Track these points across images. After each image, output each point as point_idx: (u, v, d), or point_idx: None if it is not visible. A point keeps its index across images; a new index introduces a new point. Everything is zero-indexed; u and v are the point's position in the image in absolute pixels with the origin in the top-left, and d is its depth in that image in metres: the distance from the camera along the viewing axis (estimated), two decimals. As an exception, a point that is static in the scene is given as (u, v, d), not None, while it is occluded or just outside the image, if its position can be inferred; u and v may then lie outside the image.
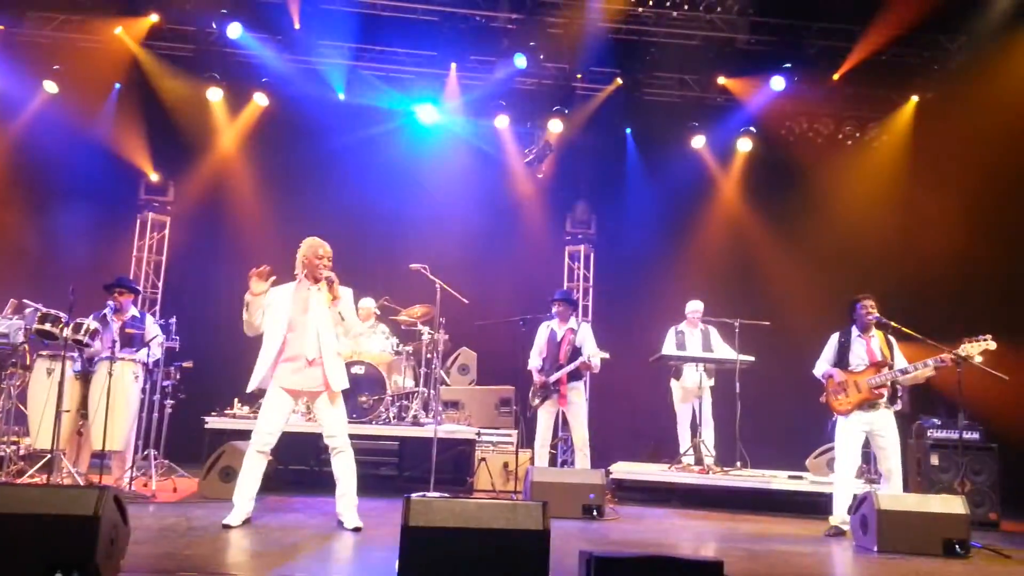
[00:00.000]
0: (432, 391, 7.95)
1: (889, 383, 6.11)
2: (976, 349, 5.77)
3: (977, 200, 8.53)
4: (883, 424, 6.15)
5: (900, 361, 6.22)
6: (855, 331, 6.33)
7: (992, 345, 5.76)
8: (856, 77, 9.68)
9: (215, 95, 9.64)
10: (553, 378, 7.44)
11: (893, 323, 6.23)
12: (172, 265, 10.30)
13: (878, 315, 6.24)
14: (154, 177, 10.14)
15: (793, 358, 7.03)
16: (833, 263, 9.54)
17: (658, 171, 10.29)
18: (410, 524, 3.63)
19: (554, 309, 7.70)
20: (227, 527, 5.09)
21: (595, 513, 6.41)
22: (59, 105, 9.60)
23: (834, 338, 6.43)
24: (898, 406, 6.25)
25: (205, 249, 10.10)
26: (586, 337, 7.62)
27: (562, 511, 6.15)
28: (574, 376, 7.50)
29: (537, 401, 7.53)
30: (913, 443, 7.60)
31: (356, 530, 5.22)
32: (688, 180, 10.40)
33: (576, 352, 7.50)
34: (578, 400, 7.59)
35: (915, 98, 9.89)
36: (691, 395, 8.37)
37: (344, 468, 5.37)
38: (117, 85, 9.84)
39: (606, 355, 7.36)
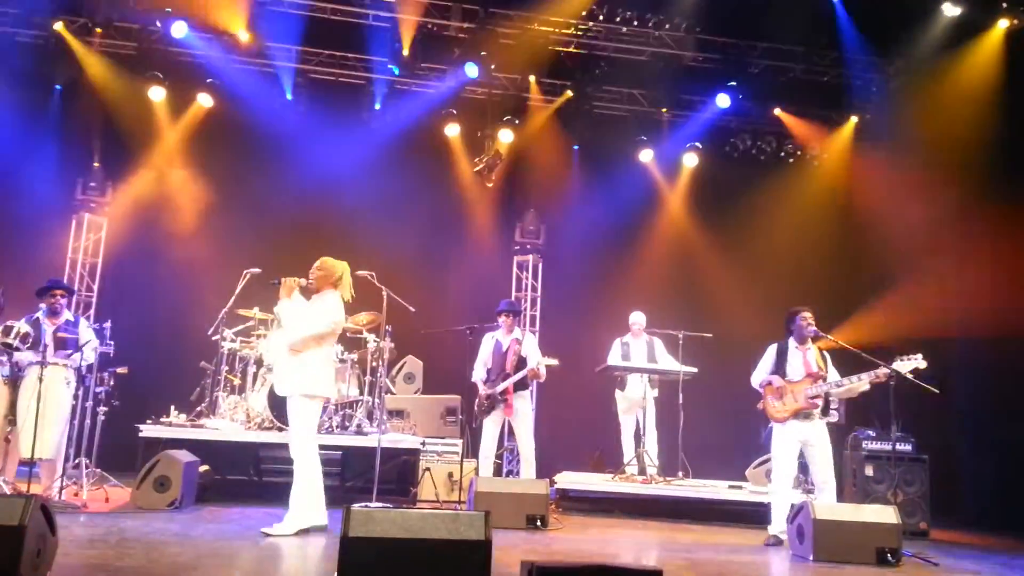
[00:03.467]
0: (377, 400, 7.86)
1: (823, 395, 6.26)
2: (907, 367, 5.97)
3: (911, 218, 8.82)
4: (816, 435, 6.29)
5: (834, 374, 6.39)
6: (792, 343, 6.48)
7: (922, 364, 5.96)
8: (798, 97, 9.99)
9: (157, 95, 9.43)
10: (500, 388, 7.43)
11: (831, 336, 6.40)
12: (108, 268, 9.99)
13: (816, 328, 6.40)
14: (95, 167, 9.83)
15: (734, 370, 7.15)
16: (774, 277, 9.75)
17: (607, 183, 10.40)
18: (349, 535, 3.58)
19: (500, 320, 7.70)
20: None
21: (539, 523, 6.40)
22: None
23: (772, 348, 6.57)
24: (833, 418, 6.41)
25: (143, 252, 9.81)
26: (531, 347, 7.65)
27: (506, 521, 6.13)
28: (520, 385, 7.51)
29: (483, 413, 7.50)
30: (849, 454, 7.80)
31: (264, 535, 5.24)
32: (636, 193, 10.55)
33: (522, 362, 7.51)
34: (525, 409, 7.60)
35: (854, 119, 10.21)
36: (635, 405, 8.46)
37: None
38: (58, 87, 9.53)
39: (555, 362, 7.39)
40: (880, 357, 6.15)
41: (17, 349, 6.06)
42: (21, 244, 9.23)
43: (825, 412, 6.32)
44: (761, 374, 6.54)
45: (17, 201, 9.15)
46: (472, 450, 7.80)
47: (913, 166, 8.93)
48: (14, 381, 6.19)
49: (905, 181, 8.98)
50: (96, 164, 9.90)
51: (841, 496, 7.10)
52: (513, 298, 10.49)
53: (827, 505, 5.94)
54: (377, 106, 9.97)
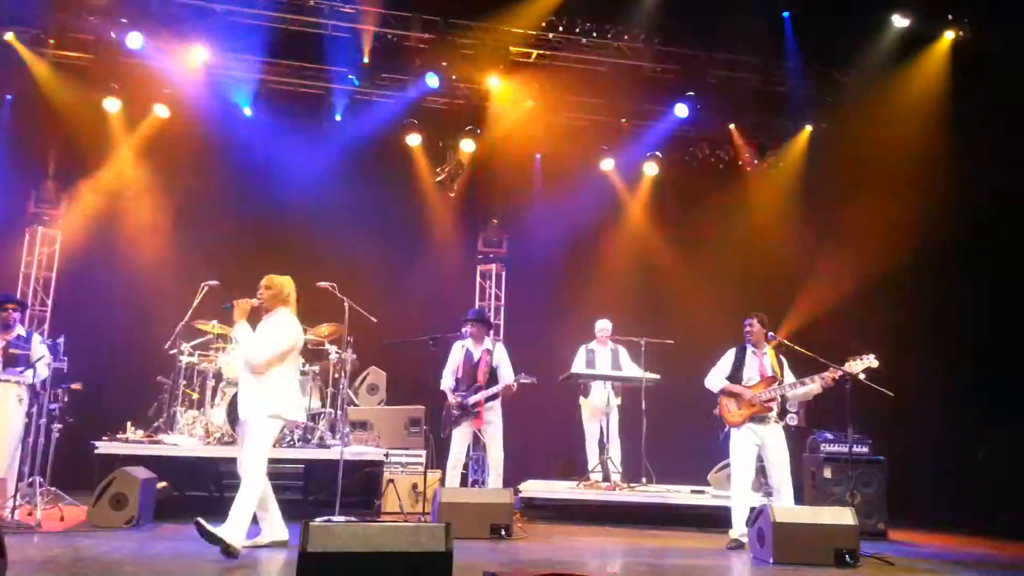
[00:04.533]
0: (339, 411, 7.80)
1: (778, 398, 6.37)
2: (859, 367, 6.10)
3: (863, 225, 9.01)
4: (773, 438, 6.41)
5: (789, 377, 6.52)
6: (749, 347, 6.60)
7: (875, 363, 6.09)
8: (755, 106, 10.16)
9: (113, 106, 9.27)
10: (472, 400, 7.40)
11: (785, 341, 6.53)
12: (63, 282, 9.77)
13: (770, 333, 6.53)
14: (48, 180, 9.64)
15: (696, 376, 7.23)
16: (734, 283, 9.88)
17: (569, 192, 10.46)
18: (308, 550, 3.55)
19: (468, 329, 7.68)
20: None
21: (503, 533, 6.39)
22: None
23: (730, 353, 6.70)
24: (793, 421, 6.53)
25: (98, 265, 9.58)
26: (502, 358, 7.63)
27: (471, 531, 6.12)
28: (491, 396, 7.49)
29: (452, 423, 7.47)
30: (807, 456, 7.92)
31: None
32: (598, 201, 10.65)
33: (494, 373, 7.49)
34: (495, 420, 7.55)
35: (809, 127, 10.41)
36: (599, 412, 8.50)
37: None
38: (8, 96, 9.33)
39: (533, 379, 7.37)
40: (835, 358, 6.26)
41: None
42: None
43: (782, 415, 6.43)
44: (717, 377, 6.66)
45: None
46: (436, 461, 7.77)
47: (863, 173, 9.14)
48: (-36, 399, 6.03)
49: (853, 188, 9.19)
50: (50, 176, 9.71)
51: (800, 498, 7.21)
52: (476, 307, 10.49)
53: (786, 508, 6.03)
54: (338, 117, 9.92)
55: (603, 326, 8.64)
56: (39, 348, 6.55)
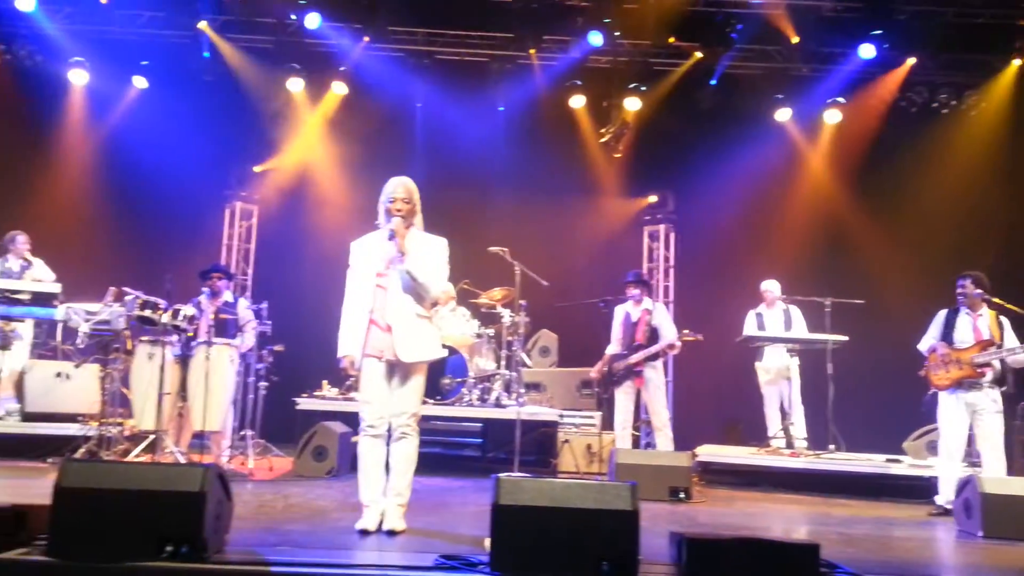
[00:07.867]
0: (513, 373, 7.99)
1: (995, 363, 5.84)
2: None
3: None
4: (985, 404, 5.92)
5: (1010, 341, 5.95)
6: (963, 309, 6.10)
7: None
8: (951, 42, 9.21)
9: (296, 85, 9.83)
10: (633, 359, 7.38)
11: (999, 301, 5.95)
12: (261, 252, 10.65)
13: (979, 293, 5.99)
14: (244, 158, 10.46)
15: (889, 337, 6.77)
16: (929, 239, 9.12)
17: (741, 146, 9.97)
18: (500, 503, 3.66)
19: (629, 291, 7.63)
20: (364, 532, 4.34)
21: (682, 495, 6.32)
22: (148, 100, 9.96)
23: (941, 314, 6.25)
24: (1005, 387, 5.98)
25: (292, 236, 10.35)
26: (663, 318, 7.56)
27: (648, 493, 6.05)
28: (652, 356, 7.42)
29: (614, 383, 7.47)
30: (1019, 424, 7.24)
31: (391, 533, 4.36)
32: (773, 155, 10.10)
33: (654, 333, 7.42)
34: (656, 380, 7.49)
35: (1017, 61, 9.30)
36: (777, 377, 8.18)
37: (396, 457, 4.49)
38: (207, 53, 9.97)
39: (699, 337, 7.27)
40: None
41: (185, 330, 6.54)
42: (183, 233, 9.93)
43: (1000, 381, 5.90)
44: (927, 340, 6.24)
45: (177, 193, 9.81)
46: (610, 423, 7.79)
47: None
48: (184, 360, 6.67)
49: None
50: (246, 155, 10.50)
51: (1011, 469, 6.62)
52: (644, 269, 10.36)
53: (997, 479, 5.56)
54: (504, 84, 9.98)
55: (768, 287, 8.27)
56: (245, 313, 7.13)
